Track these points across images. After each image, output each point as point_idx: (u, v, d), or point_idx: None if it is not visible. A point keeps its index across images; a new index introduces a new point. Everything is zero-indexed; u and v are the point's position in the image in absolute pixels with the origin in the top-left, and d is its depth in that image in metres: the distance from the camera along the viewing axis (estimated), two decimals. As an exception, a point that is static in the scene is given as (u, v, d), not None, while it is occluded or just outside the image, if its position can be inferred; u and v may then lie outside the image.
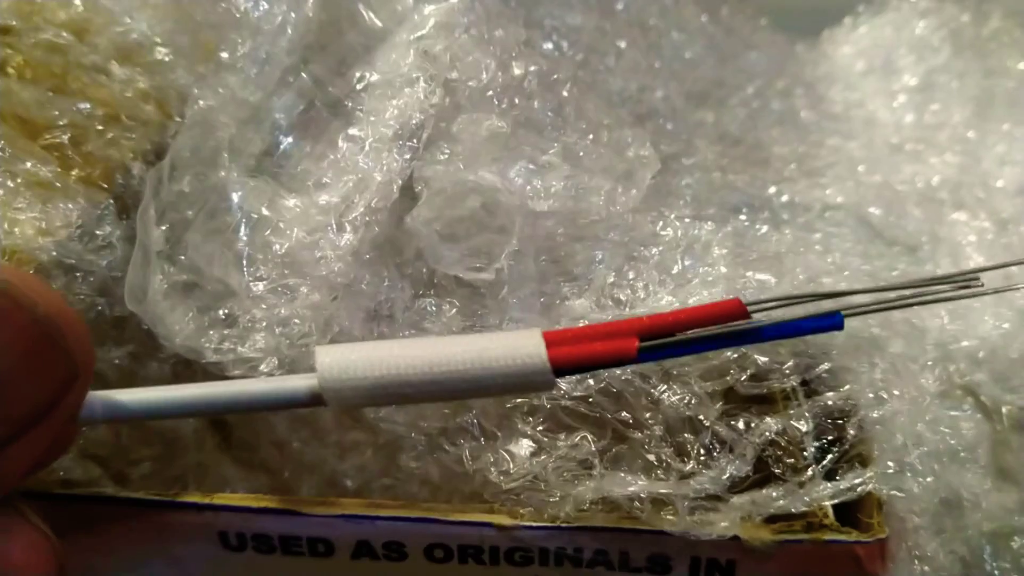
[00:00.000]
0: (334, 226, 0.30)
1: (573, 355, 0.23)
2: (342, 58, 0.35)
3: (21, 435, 0.17)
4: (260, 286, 0.30)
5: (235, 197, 0.31)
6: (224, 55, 0.32)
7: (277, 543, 0.30)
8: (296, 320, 0.29)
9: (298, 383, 0.21)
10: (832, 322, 0.25)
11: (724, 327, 0.24)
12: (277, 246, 0.30)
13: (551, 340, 0.23)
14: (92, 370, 0.19)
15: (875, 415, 0.30)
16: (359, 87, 0.33)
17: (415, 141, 0.31)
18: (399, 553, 0.30)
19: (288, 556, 0.30)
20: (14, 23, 0.37)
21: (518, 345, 0.21)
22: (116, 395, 0.21)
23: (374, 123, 0.32)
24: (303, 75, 0.34)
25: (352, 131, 0.32)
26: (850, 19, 0.52)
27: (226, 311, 0.30)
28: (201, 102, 0.32)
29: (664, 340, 0.24)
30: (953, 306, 0.33)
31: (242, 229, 0.31)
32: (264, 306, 0.29)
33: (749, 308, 0.24)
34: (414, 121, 0.31)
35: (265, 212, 0.31)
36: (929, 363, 0.31)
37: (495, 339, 0.21)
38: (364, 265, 0.31)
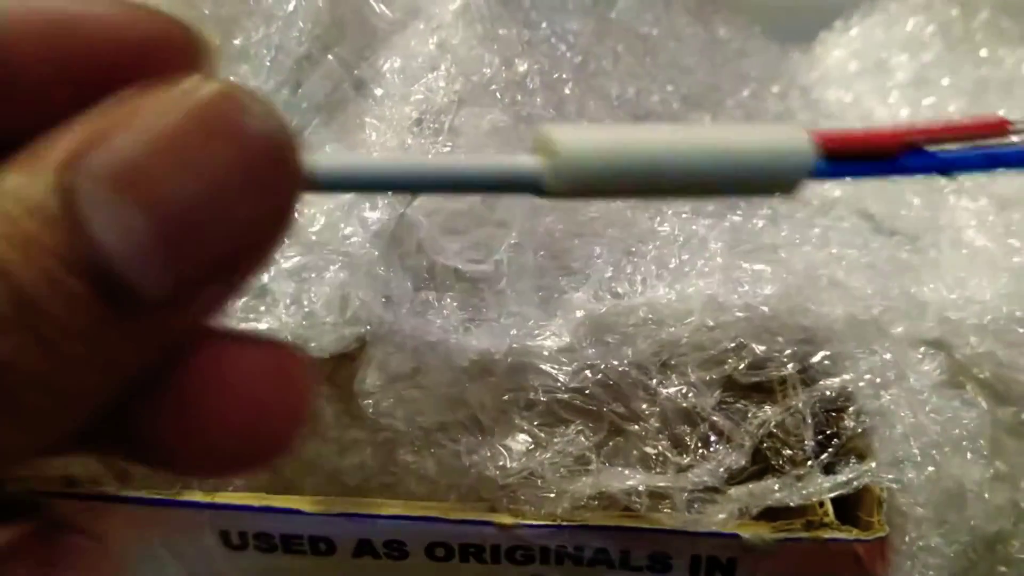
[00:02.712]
0: (363, 206, 0.31)
1: (839, 140, 0.19)
2: (362, 44, 0.35)
3: (218, 276, 0.14)
4: (285, 263, 0.30)
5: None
6: (236, 42, 0.33)
7: (279, 542, 0.30)
8: (314, 298, 0.29)
9: (523, 161, 0.18)
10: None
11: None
12: (303, 222, 0.30)
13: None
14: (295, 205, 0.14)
15: (875, 405, 0.30)
16: (383, 70, 0.34)
17: (438, 124, 0.32)
18: (400, 552, 0.30)
19: (289, 555, 0.30)
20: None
21: (780, 131, 0.18)
22: (321, 160, 0.16)
23: (398, 106, 0.32)
24: (329, 57, 0.34)
25: (376, 114, 0.33)
26: (840, 22, 0.53)
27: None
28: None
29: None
30: (952, 279, 0.33)
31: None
32: (293, 283, 0.30)
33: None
34: (437, 106, 0.32)
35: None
36: (932, 352, 0.31)
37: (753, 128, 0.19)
38: (380, 250, 0.31)
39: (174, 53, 0.15)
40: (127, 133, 0.13)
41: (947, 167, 0.21)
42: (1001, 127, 0.21)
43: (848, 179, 0.40)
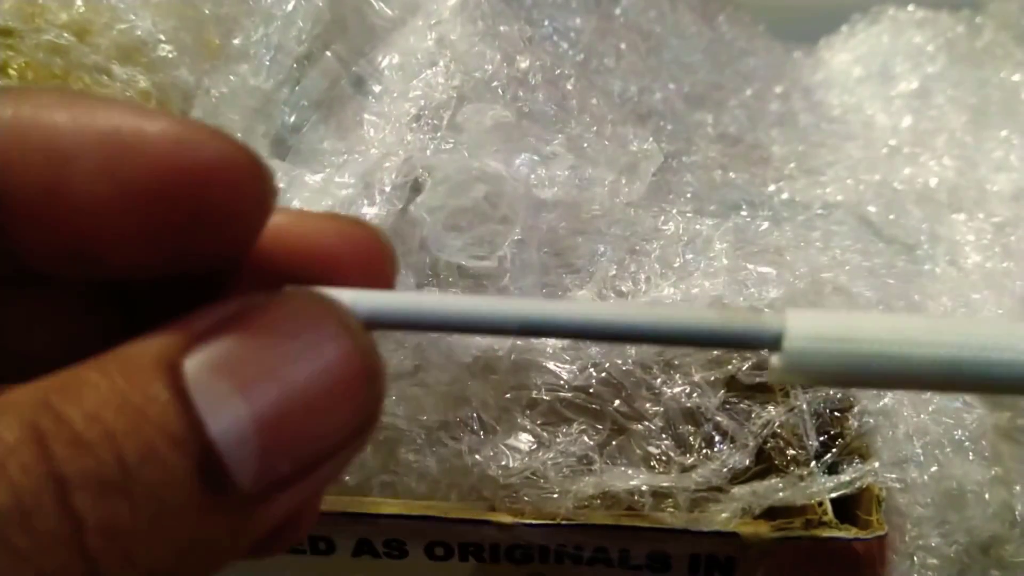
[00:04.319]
0: (360, 201, 0.30)
1: None
2: (361, 42, 0.35)
3: (299, 480, 0.15)
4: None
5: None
6: (236, 41, 0.33)
7: (277, 539, 0.30)
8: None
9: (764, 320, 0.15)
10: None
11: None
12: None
13: None
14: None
15: (877, 405, 0.30)
16: (381, 67, 0.34)
17: (436, 120, 0.31)
18: (400, 551, 0.30)
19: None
20: (15, 25, 0.37)
21: None
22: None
23: (397, 103, 0.32)
24: (327, 54, 0.34)
25: (375, 111, 0.32)
26: (847, 27, 0.53)
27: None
28: (212, 91, 0.32)
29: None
30: (953, 295, 0.33)
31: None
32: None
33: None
34: (436, 103, 0.32)
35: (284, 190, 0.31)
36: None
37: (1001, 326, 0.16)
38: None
39: (238, 180, 0.15)
40: (234, 330, 0.14)
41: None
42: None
43: (850, 181, 0.40)
